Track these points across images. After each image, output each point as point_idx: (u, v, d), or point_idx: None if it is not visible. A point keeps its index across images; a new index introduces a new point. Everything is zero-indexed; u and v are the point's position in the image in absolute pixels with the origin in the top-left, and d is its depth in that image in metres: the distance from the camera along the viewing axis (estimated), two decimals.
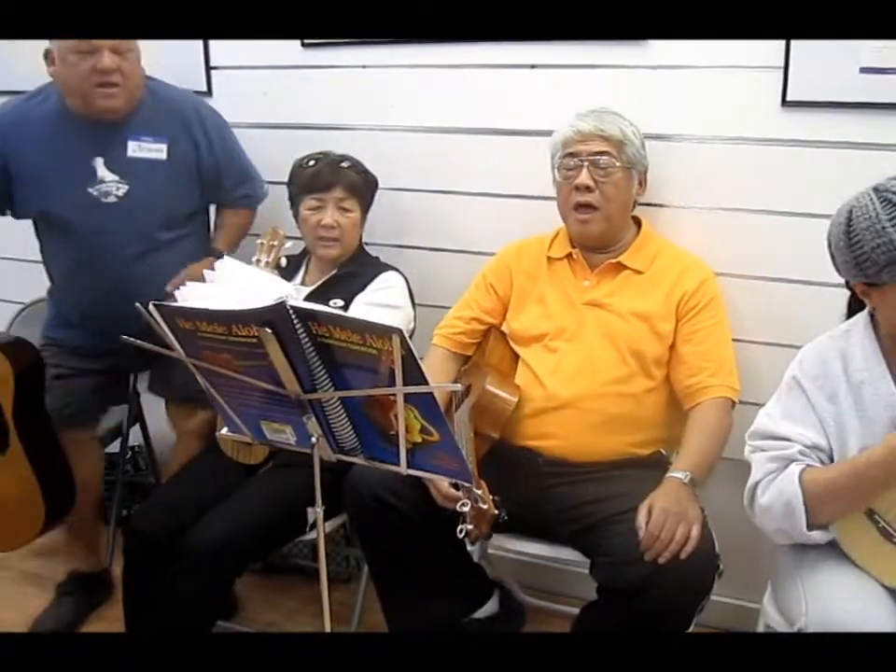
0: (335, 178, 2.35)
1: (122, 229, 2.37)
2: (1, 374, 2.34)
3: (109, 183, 2.36)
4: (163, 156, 2.39)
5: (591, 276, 2.25)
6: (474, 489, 1.90)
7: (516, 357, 2.29)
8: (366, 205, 2.43)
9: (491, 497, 1.94)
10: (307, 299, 2.34)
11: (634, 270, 2.22)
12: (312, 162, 2.39)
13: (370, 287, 2.36)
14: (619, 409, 2.14)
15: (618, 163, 2.16)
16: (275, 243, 2.27)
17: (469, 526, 1.91)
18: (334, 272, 2.41)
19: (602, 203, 2.17)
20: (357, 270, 2.41)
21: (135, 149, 2.37)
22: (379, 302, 2.32)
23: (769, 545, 1.87)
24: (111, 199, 2.36)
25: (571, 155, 2.18)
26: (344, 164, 2.38)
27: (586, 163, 2.16)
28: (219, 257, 2.24)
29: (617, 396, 2.15)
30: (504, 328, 2.35)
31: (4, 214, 2.47)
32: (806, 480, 1.69)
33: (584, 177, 2.15)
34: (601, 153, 2.16)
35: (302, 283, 2.46)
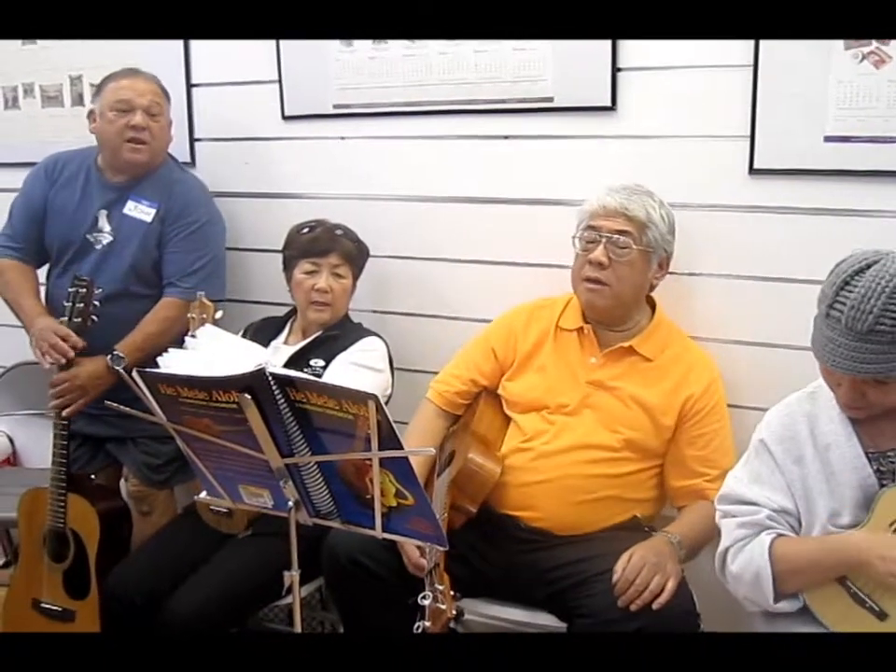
0: (331, 245, 2.43)
1: (99, 273, 2.56)
2: (88, 520, 2.46)
3: (104, 233, 2.61)
4: (149, 219, 2.59)
5: (599, 355, 2.20)
6: (437, 584, 1.86)
7: (504, 425, 2.27)
8: (357, 273, 2.51)
9: (451, 592, 1.88)
10: (290, 358, 2.39)
11: (643, 356, 2.18)
12: (308, 229, 2.47)
13: (351, 349, 2.40)
14: (607, 491, 2.12)
15: (635, 245, 2.11)
16: (206, 315, 2.25)
17: (427, 623, 1.83)
18: (318, 333, 2.45)
19: (613, 282, 2.13)
20: (339, 333, 2.45)
21: (131, 209, 2.61)
22: (359, 363, 2.36)
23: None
24: (99, 246, 2.61)
25: (592, 228, 2.15)
26: (339, 232, 2.46)
27: (604, 240, 2.12)
28: (114, 360, 2.41)
29: (606, 478, 2.12)
30: (500, 390, 2.32)
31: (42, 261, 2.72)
32: (776, 552, 1.69)
33: (599, 253, 2.12)
34: (621, 232, 2.12)
35: (285, 342, 2.50)
